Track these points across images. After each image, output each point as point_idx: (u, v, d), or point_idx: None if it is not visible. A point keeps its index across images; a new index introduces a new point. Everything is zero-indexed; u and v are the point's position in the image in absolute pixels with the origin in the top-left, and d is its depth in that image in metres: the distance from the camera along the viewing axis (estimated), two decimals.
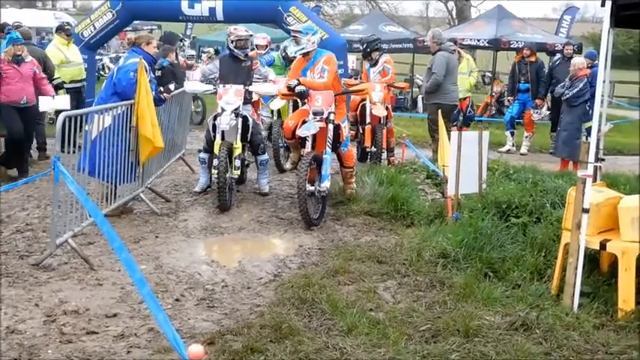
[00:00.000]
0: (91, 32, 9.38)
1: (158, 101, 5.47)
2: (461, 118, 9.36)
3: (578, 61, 8.26)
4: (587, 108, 8.19)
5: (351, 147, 6.00)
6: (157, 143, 5.21)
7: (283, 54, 7.73)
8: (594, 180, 3.66)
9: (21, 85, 6.28)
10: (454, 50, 8.15)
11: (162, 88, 5.62)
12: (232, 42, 5.98)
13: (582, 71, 8.01)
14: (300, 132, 5.37)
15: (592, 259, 3.86)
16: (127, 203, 5.37)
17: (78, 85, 8.07)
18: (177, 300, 3.71)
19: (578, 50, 12.97)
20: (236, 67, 6.00)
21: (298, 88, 5.46)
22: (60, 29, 8.34)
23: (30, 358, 2.96)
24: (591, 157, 3.52)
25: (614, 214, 3.63)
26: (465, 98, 9.22)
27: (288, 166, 6.23)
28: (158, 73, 7.53)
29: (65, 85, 7.55)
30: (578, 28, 22.07)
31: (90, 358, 3.00)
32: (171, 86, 5.77)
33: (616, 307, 3.48)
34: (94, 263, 4.17)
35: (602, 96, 3.83)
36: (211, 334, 3.23)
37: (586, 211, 3.46)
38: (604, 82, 3.76)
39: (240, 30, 6.06)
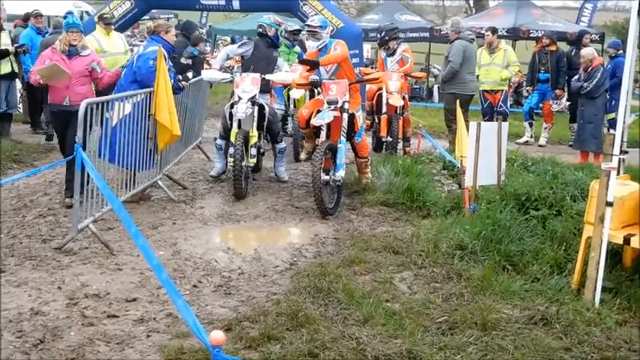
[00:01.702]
0: None
1: (176, 89, 5.49)
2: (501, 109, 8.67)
3: (588, 52, 8.06)
4: (608, 97, 8.02)
5: (365, 137, 5.98)
6: (175, 131, 5.23)
7: (285, 34, 7.69)
8: (618, 173, 3.59)
9: (66, 82, 5.08)
10: (473, 39, 8.02)
11: (180, 77, 5.63)
12: (286, 32, 6.54)
13: (596, 61, 7.84)
14: (315, 121, 5.36)
15: (615, 253, 3.80)
16: (145, 190, 5.42)
17: None
18: (194, 286, 3.75)
19: (601, 40, 12.73)
20: (269, 55, 6.15)
21: (311, 78, 5.47)
22: (100, 18, 7.83)
23: (54, 340, 3.02)
24: (616, 150, 3.45)
25: (638, 208, 3.57)
26: (496, 91, 8.67)
27: (302, 156, 6.26)
28: (188, 61, 7.47)
29: None
30: (600, 17, 21.58)
31: (111, 341, 3.05)
32: (189, 74, 5.78)
33: (639, 304, 3.43)
34: (113, 248, 4.23)
35: (628, 87, 3.73)
36: (228, 320, 3.26)
37: (610, 204, 3.40)
38: (630, 73, 3.67)
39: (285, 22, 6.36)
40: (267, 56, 6.17)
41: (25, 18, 9.01)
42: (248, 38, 7.82)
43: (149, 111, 5.12)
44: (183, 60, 7.42)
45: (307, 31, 5.75)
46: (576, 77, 8.15)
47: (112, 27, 7.69)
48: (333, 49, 5.55)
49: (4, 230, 4.54)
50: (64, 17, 5.73)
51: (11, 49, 7.49)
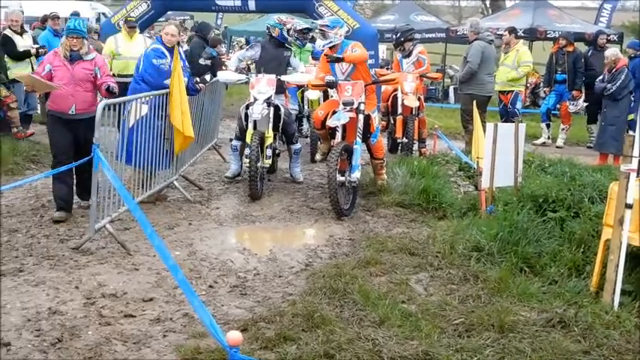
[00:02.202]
0: None
1: (192, 91, 5.53)
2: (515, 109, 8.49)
3: (612, 52, 7.94)
4: (632, 99, 7.89)
5: (381, 138, 5.97)
6: (187, 133, 5.22)
7: (294, 34, 7.72)
8: (638, 175, 3.53)
9: (71, 89, 4.70)
10: (492, 40, 7.95)
11: (198, 79, 5.67)
12: (295, 31, 6.33)
13: (621, 62, 7.72)
14: (330, 122, 5.36)
15: (634, 256, 3.73)
16: (161, 190, 5.47)
17: (126, 80, 6.80)
18: (210, 286, 3.77)
19: (619, 40, 12.54)
20: (278, 55, 6.12)
21: (327, 78, 5.46)
22: (124, 21, 7.98)
23: (71, 339, 3.05)
24: (636, 151, 3.40)
25: None
26: (507, 92, 8.52)
27: (318, 157, 6.28)
28: (207, 62, 7.51)
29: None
30: (619, 17, 21.27)
31: (128, 340, 3.07)
32: (207, 77, 5.81)
33: None
34: (130, 248, 4.27)
35: None
36: (244, 321, 3.28)
37: (629, 206, 3.34)
38: None
39: (293, 21, 6.25)
40: (277, 57, 6.13)
41: (43, 20, 9.18)
42: (256, 40, 7.86)
43: (165, 112, 5.17)
44: (201, 61, 7.45)
45: (318, 29, 5.78)
46: (600, 78, 8.01)
47: (136, 30, 7.81)
48: (351, 50, 5.54)
49: (23, 230, 4.61)
50: (68, 19, 5.13)
51: (33, 50, 7.62)
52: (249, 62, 6.27)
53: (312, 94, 7.10)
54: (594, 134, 8.87)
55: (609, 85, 7.62)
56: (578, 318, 3.22)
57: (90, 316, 3.30)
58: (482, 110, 7.34)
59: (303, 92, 7.40)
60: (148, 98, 5.02)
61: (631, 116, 7.77)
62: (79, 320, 3.24)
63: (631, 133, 4.36)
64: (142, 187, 5.03)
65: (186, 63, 5.80)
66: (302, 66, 6.51)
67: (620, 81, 7.56)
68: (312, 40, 8.05)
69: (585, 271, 3.84)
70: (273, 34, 6.24)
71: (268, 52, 6.13)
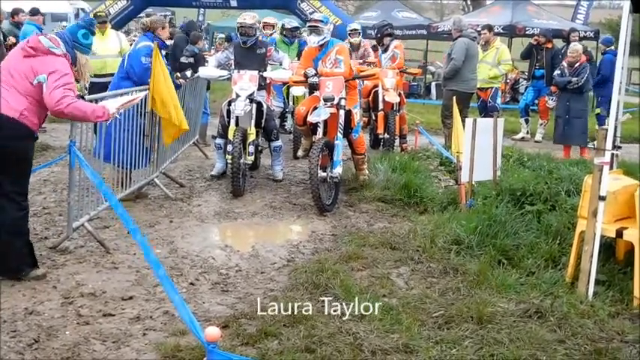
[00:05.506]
0: None
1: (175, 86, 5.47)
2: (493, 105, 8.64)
3: (579, 47, 8.19)
4: (592, 93, 8.20)
5: (362, 133, 5.99)
6: (184, 126, 5.26)
7: (283, 32, 7.73)
8: (611, 167, 3.62)
9: None
10: (475, 37, 8.03)
11: (178, 74, 5.61)
12: (237, 29, 6.00)
13: (583, 58, 8.01)
14: (311, 118, 5.37)
15: (608, 247, 3.83)
16: (141, 188, 5.42)
17: (104, 80, 6.49)
18: (191, 284, 3.75)
19: (595, 37, 12.77)
20: (249, 53, 5.99)
21: (311, 80, 5.44)
22: (94, 16, 7.10)
23: (49, 339, 3.01)
24: (608, 145, 3.47)
25: (630, 202, 3.59)
26: (486, 88, 8.63)
27: (300, 153, 6.28)
28: (190, 59, 7.39)
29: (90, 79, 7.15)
30: (595, 14, 21.66)
31: (107, 339, 3.04)
32: (188, 73, 5.75)
33: (632, 296, 3.46)
34: (109, 247, 4.23)
35: (620, 83, 3.76)
36: (226, 317, 3.27)
37: (603, 198, 3.42)
38: (622, 68, 3.69)
39: (245, 17, 6.00)
40: (248, 56, 5.94)
41: (13, 14, 8.97)
42: (227, 40, 7.74)
43: (144, 109, 5.11)
44: (183, 59, 7.35)
45: (309, 26, 5.73)
46: (558, 72, 8.16)
47: (107, 26, 7.33)
48: (335, 55, 5.50)
49: None
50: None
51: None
52: (229, 62, 6.17)
53: (297, 91, 7.08)
54: None
55: (575, 79, 7.82)
56: (554, 308, 3.29)
57: (68, 315, 3.26)
58: (464, 106, 7.41)
59: (288, 88, 7.39)
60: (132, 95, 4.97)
61: (597, 110, 8.01)
62: (57, 320, 3.20)
63: (604, 127, 4.46)
64: (122, 185, 4.98)
65: (167, 60, 5.74)
66: (287, 58, 6.42)
67: (587, 75, 7.80)
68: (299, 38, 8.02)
69: (561, 263, 3.91)
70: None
71: (239, 52, 6.00)
